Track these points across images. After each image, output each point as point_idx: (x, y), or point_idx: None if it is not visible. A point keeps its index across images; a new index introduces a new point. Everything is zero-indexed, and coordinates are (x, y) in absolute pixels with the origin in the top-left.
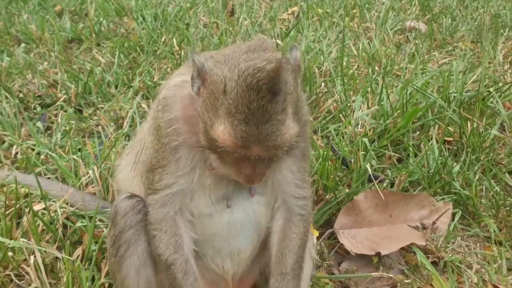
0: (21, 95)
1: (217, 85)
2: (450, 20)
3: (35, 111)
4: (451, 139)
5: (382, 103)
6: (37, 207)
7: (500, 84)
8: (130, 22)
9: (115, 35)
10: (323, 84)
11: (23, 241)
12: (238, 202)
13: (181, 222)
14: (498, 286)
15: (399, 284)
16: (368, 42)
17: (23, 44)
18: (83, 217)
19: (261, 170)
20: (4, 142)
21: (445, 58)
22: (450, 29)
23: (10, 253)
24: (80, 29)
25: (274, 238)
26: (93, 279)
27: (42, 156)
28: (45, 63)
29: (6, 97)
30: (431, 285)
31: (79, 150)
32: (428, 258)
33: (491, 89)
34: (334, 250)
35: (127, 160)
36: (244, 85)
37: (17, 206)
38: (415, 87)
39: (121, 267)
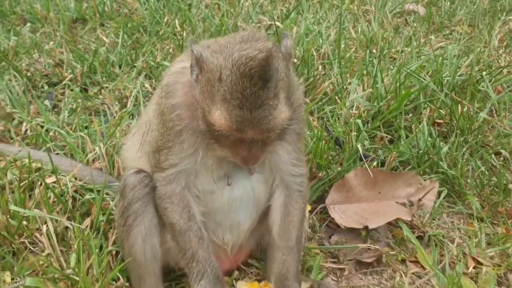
0: (28, 74)
1: (213, 73)
2: (449, 3)
3: (42, 89)
4: (442, 121)
5: (376, 85)
6: (48, 180)
7: (493, 69)
8: (133, 2)
9: (119, 15)
10: (320, 66)
11: (36, 211)
12: (238, 180)
13: (189, 196)
14: (477, 258)
15: (384, 255)
16: (367, 25)
17: (28, 24)
18: (91, 190)
19: (256, 152)
20: (14, 119)
21: (442, 41)
22: (448, 13)
23: (24, 222)
24: (84, 9)
25: (276, 215)
26: (101, 248)
27: (51, 133)
28: (51, 42)
29: (15, 76)
30: (415, 257)
31: (86, 127)
32: (413, 232)
33: (483, 73)
34: (325, 224)
35: (134, 140)
36: (237, 73)
37: (30, 179)
38: (407, 70)
39: (129, 235)
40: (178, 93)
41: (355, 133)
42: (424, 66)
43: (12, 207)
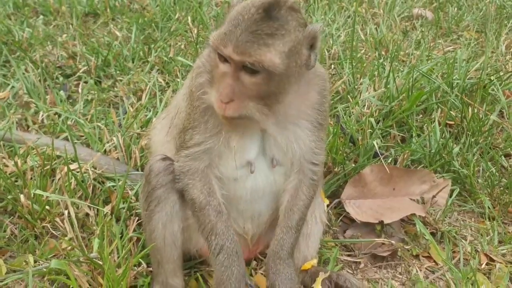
0: (42, 65)
1: (230, 11)
2: (456, 9)
3: (57, 80)
4: (452, 122)
5: (388, 86)
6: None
7: (501, 73)
8: None
9: (130, 10)
10: (333, 66)
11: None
12: (261, 171)
13: (211, 175)
14: (489, 255)
15: (399, 250)
16: (376, 28)
17: (41, 16)
18: (109, 179)
19: (234, 88)
20: (31, 108)
21: (450, 46)
22: (455, 18)
23: (46, 207)
24: (96, 3)
25: (286, 196)
26: (121, 234)
27: (69, 122)
28: (64, 35)
29: (30, 67)
30: (428, 253)
31: (102, 118)
32: (426, 229)
33: (492, 77)
34: (340, 219)
35: (163, 123)
36: (250, 3)
37: (51, 166)
38: (421, 71)
39: (150, 220)
40: (206, 73)
41: (370, 130)
42: (434, 69)
43: (37, 191)
